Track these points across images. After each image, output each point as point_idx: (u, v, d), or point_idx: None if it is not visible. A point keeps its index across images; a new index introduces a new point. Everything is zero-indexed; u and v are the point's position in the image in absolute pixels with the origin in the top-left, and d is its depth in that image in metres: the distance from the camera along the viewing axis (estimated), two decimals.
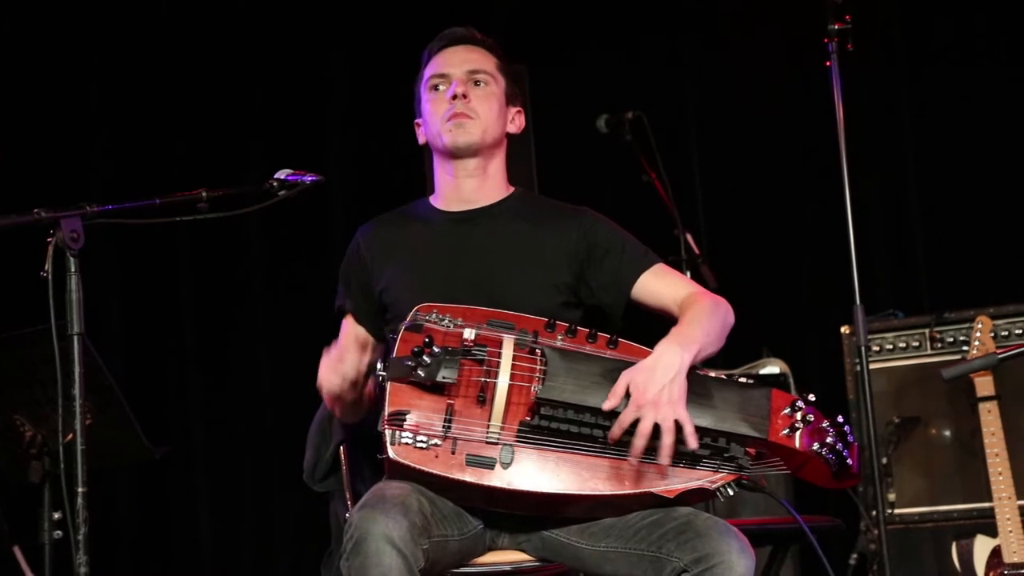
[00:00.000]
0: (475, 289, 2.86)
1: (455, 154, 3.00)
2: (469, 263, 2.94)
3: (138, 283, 5.40)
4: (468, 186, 3.02)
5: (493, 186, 3.04)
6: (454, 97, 2.96)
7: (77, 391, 2.70)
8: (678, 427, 2.56)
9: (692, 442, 2.56)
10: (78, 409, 2.70)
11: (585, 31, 5.55)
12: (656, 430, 2.55)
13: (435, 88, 3.01)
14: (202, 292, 5.47)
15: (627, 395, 2.58)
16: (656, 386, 2.56)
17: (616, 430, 2.57)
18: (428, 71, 3.04)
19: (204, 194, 2.87)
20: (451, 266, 2.94)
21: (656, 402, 2.55)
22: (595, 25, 5.55)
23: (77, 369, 2.70)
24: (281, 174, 2.98)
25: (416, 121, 3.09)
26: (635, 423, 2.56)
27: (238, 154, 5.49)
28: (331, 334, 3.08)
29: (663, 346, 2.65)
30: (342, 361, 2.72)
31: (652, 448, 2.57)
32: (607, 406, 2.58)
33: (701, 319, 2.77)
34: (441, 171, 3.05)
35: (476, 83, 3.00)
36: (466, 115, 2.97)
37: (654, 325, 2.92)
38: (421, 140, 3.09)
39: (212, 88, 5.50)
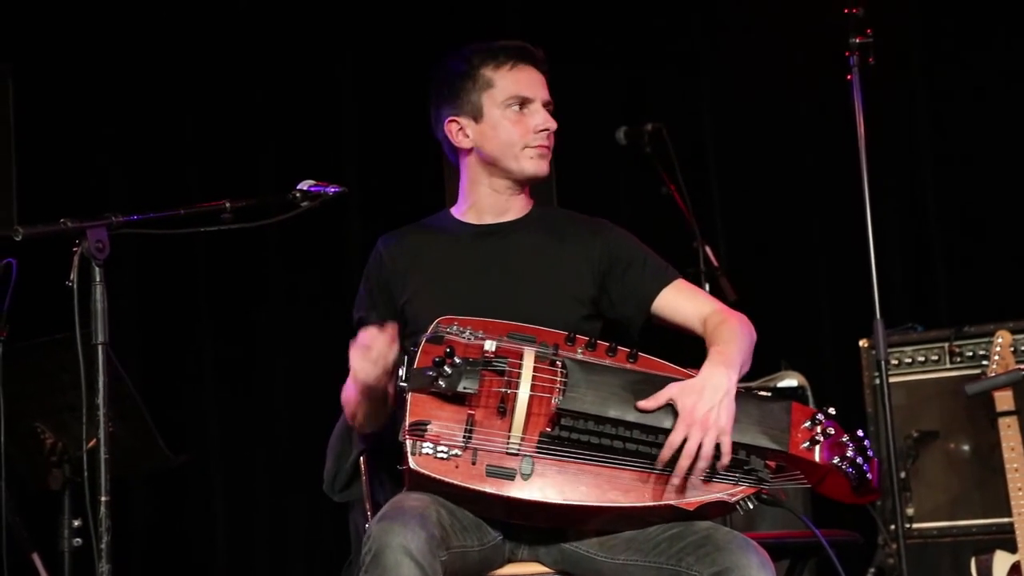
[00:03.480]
0: (499, 302, 2.86)
1: (523, 181, 3.00)
2: (493, 276, 2.94)
3: (155, 291, 5.41)
4: (509, 204, 3.02)
5: (520, 201, 3.05)
6: (544, 129, 2.97)
7: (101, 400, 2.71)
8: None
9: (724, 461, 2.58)
10: (102, 418, 2.71)
11: (604, 43, 5.56)
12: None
13: (518, 108, 2.98)
14: (219, 301, 5.48)
15: (670, 411, 2.59)
16: (704, 407, 2.58)
17: (666, 451, 2.58)
18: (509, 86, 2.97)
19: (227, 205, 2.89)
20: (475, 279, 2.94)
21: (704, 423, 2.57)
22: (614, 37, 5.56)
23: (101, 378, 2.71)
24: (304, 185, 2.99)
25: (454, 118, 3.00)
26: (663, 434, 2.59)
27: (253, 166, 5.50)
28: (348, 344, 3.10)
29: (709, 368, 2.66)
30: (371, 347, 2.70)
31: (674, 460, 2.59)
32: (646, 406, 2.59)
33: (736, 338, 2.77)
34: (485, 184, 3.02)
35: (549, 110, 3.01)
36: (549, 149, 2.99)
37: (672, 340, 2.93)
38: (465, 143, 3.01)
39: (225, 99, 5.51)
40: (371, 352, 2.70)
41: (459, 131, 3.01)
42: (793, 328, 5.14)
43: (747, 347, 2.78)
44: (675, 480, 2.59)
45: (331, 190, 3.00)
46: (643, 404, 2.60)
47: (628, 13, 5.54)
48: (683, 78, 5.51)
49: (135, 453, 3.71)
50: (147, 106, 5.47)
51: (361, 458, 2.98)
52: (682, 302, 2.93)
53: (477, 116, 2.99)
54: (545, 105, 3.00)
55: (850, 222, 4.12)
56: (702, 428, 2.57)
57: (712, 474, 2.63)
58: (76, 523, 3.55)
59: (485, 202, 3.03)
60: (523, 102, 2.98)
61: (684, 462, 2.57)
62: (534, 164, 2.98)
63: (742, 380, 4.42)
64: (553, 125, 2.99)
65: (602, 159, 5.24)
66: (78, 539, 3.53)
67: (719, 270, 4.69)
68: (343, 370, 3.02)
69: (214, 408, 5.45)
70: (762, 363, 4.59)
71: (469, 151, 3.02)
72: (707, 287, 4.53)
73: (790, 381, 4.60)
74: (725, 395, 2.60)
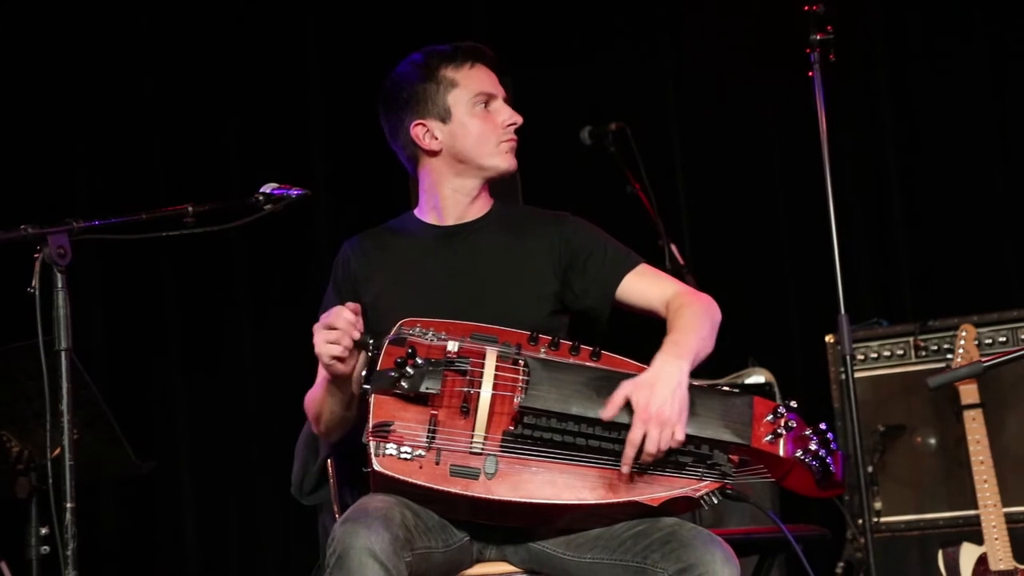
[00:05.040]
0: (463, 303, 2.86)
1: (494, 177, 3.02)
2: (456, 278, 2.95)
3: (121, 296, 5.39)
4: (471, 204, 3.03)
5: (481, 201, 3.06)
6: (512, 123, 2.99)
7: (65, 407, 2.70)
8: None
9: (677, 441, 2.58)
10: (66, 425, 2.70)
11: (568, 43, 5.57)
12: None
13: (484, 105, 2.99)
14: (187, 306, 5.46)
15: (627, 408, 2.59)
16: (658, 401, 2.58)
17: (629, 450, 2.58)
18: (474, 84, 2.98)
19: (190, 209, 2.88)
20: (439, 281, 2.95)
21: (660, 417, 2.57)
22: (578, 37, 5.57)
23: (65, 385, 2.71)
24: (267, 188, 2.98)
25: (420, 122, 2.98)
26: (625, 430, 2.59)
27: (220, 168, 5.48)
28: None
29: (661, 360, 2.66)
30: (334, 323, 2.69)
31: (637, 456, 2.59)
32: (606, 415, 2.60)
33: (694, 323, 2.77)
34: (448, 187, 3.02)
35: (509, 105, 3.03)
36: (515, 142, 3.01)
37: (639, 335, 2.93)
38: (434, 145, 2.99)
39: (192, 102, 5.49)
40: (333, 333, 2.69)
41: (427, 133, 3.00)
42: (760, 325, 5.16)
43: (707, 331, 2.78)
44: (625, 470, 2.59)
45: (294, 193, 2.99)
46: (604, 414, 2.60)
47: (591, 12, 5.55)
48: (647, 77, 5.52)
49: (101, 460, 3.69)
50: (113, 111, 5.44)
51: (328, 460, 2.98)
52: (646, 287, 2.93)
53: (445, 117, 2.98)
54: (504, 101, 3.02)
55: (815, 218, 4.14)
56: (658, 422, 2.57)
57: (677, 468, 2.64)
58: (43, 531, 3.53)
59: (447, 203, 3.03)
60: (488, 99, 3.00)
61: (646, 458, 2.59)
62: (506, 159, 3.00)
63: (710, 377, 4.48)
64: (520, 119, 3.01)
65: (567, 159, 5.25)
66: (45, 547, 3.51)
67: (685, 268, 4.69)
68: (312, 373, 3.03)
69: (183, 413, 5.43)
70: (729, 360, 4.64)
71: (435, 153, 3.01)
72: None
73: (757, 377, 4.63)
74: (677, 386, 2.60)
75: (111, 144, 5.43)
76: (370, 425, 2.61)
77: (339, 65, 5.54)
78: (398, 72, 3.03)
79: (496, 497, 2.59)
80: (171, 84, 5.48)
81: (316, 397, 2.87)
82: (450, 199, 3.03)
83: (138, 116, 5.47)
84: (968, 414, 4.11)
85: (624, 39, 5.57)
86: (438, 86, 2.98)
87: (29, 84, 5.30)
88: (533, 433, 2.61)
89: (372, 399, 2.63)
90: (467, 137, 2.98)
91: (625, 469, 2.59)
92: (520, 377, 2.66)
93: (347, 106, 5.51)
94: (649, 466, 2.62)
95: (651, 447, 2.57)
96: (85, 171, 5.41)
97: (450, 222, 3.03)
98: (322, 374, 2.82)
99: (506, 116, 3.00)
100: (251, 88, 5.54)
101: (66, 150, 5.39)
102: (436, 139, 3.00)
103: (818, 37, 3.91)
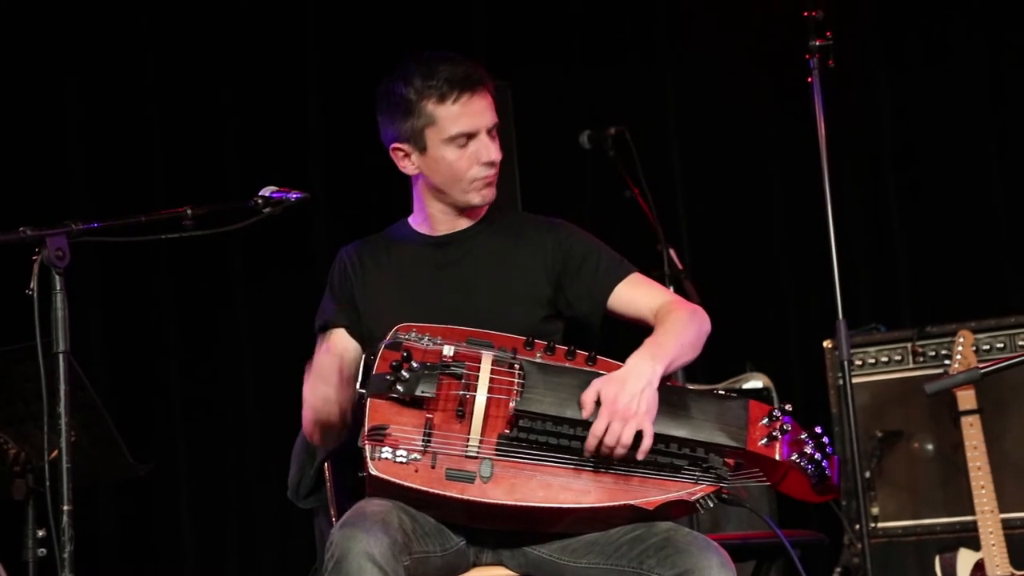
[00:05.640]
0: (457, 310, 2.87)
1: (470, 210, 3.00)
2: (450, 285, 2.95)
3: (119, 298, 5.39)
4: (461, 217, 3.02)
5: (471, 212, 3.04)
6: (488, 162, 2.93)
7: (63, 409, 2.70)
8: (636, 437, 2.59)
9: (645, 445, 2.59)
10: (64, 427, 2.70)
11: (567, 47, 5.57)
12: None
13: (464, 142, 2.92)
14: (185, 308, 5.46)
15: (598, 404, 2.60)
16: (626, 397, 2.59)
17: (591, 440, 2.60)
18: (452, 124, 2.90)
19: (189, 211, 2.88)
20: (433, 288, 2.96)
21: (625, 413, 2.58)
22: (577, 41, 5.58)
23: (63, 387, 2.71)
24: (266, 191, 2.98)
25: (398, 146, 2.96)
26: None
27: (218, 170, 5.48)
28: (314, 348, 3.09)
29: (635, 358, 2.67)
30: (322, 372, 2.72)
31: (628, 458, 2.60)
32: (584, 414, 2.60)
33: (675, 329, 2.77)
34: (435, 207, 3.01)
35: (492, 136, 2.96)
36: (495, 176, 2.97)
37: (636, 342, 2.94)
38: (411, 170, 2.98)
39: (191, 103, 5.49)
40: (333, 347, 2.72)
41: (404, 158, 2.98)
42: (757, 330, 5.16)
43: (690, 339, 2.78)
44: (632, 477, 2.60)
45: (293, 196, 2.99)
46: (578, 414, 2.61)
47: (591, 16, 5.55)
48: (646, 81, 5.52)
49: (99, 462, 3.68)
50: (112, 111, 5.44)
51: (325, 464, 2.98)
52: (636, 295, 2.93)
53: (421, 148, 2.94)
54: (490, 130, 2.94)
55: (813, 224, 4.14)
56: (623, 417, 2.58)
57: (673, 472, 2.64)
58: (40, 533, 3.52)
59: (435, 219, 3.03)
60: (468, 138, 2.93)
61: (604, 450, 2.59)
62: (479, 196, 2.97)
63: (708, 381, 4.49)
64: (498, 157, 2.95)
65: (566, 163, 5.25)
66: (42, 549, 3.50)
67: (683, 273, 4.70)
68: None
69: (181, 416, 5.43)
70: (727, 365, 4.64)
71: (416, 176, 3.01)
72: (671, 289, 4.54)
73: (755, 382, 4.63)
74: (647, 385, 2.61)
75: (110, 145, 5.43)
76: (366, 429, 2.62)
77: (338, 66, 5.54)
78: (389, 86, 2.96)
79: (492, 500, 2.60)
80: (170, 84, 5.49)
81: (307, 416, 2.87)
82: (438, 215, 3.03)
83: (137, 117, 5.47)
84: (966, 420, 4.12)
85: (624, 43, 5.57)
86: (418, 118, 2.92)
87: (28, 84, 5.30)
88: (528, 436, 2.61)
89: (368, 403, 2.64)
90: (440, 173, 2.95)
91: (586, 455, 2.60)
92: (516, 381, 2.67)
93: (346, 107, 5.51)
94: (645, 469, 2.62)
95: (611, 440, 2.57)
96: (83, 172, 5.41)
97: (442, 231, 3.03)
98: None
99: (483, 155, 2.93)
100: (251, 89, 5.54)
101: (65, 151, 5.39)
102: (413, 164, 2.98)
103: (817, 43, 3.91)
